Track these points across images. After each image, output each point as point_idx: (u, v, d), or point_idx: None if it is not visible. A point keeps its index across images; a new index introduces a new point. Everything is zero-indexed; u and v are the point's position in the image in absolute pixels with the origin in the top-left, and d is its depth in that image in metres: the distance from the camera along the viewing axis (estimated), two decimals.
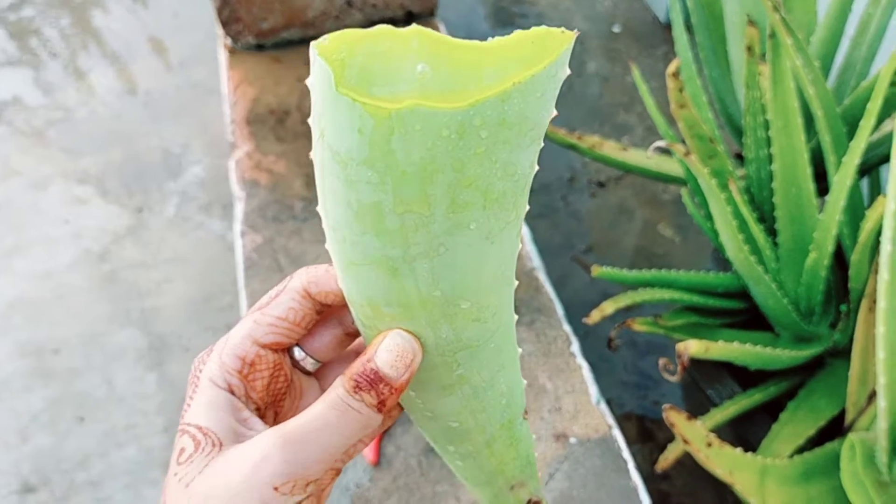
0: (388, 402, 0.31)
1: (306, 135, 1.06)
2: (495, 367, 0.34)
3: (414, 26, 0.25)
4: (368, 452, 0.74)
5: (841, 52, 1.01)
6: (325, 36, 0.24)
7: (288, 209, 0.96)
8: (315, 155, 0.27)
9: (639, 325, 0.92)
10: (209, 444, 0.31)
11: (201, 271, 1.51)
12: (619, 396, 1.35)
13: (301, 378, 0.36)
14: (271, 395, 0.34)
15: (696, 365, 1.04)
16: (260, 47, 1.19)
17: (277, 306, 0.34)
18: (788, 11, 1.01)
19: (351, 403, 0.30)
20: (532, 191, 1.60)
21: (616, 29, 2.03)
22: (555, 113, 0.27)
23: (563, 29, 0.25)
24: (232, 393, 0.32)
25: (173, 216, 1.64)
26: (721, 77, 1.04)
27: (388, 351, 0.30)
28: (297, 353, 0.36)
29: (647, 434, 1.29)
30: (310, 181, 1.00)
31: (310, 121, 0.27)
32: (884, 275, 0.69)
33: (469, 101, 0.23)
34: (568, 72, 0.26)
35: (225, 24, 1.14)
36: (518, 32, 0.25)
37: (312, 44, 0.24)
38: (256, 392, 0.33)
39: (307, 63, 1.16)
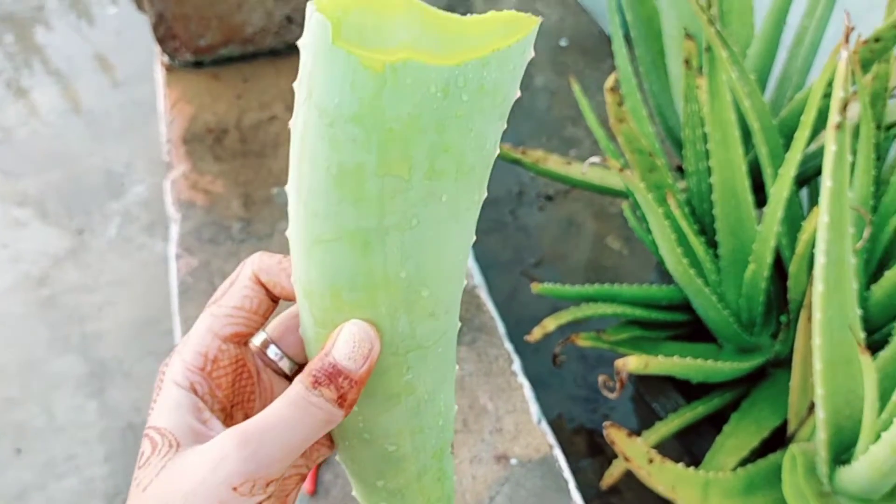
0: (348, 396, 0.30)
1: (244, 153, 1.04)
2: (439, 377, 0.34)
3: None
4: (305, 482, 0.72)
5: (778, 63, 1.02)
6: None
7: (225, 230, 0.93)
8: (296, 121, 0.27)
9: (582, 341, 0.92)
10: (166, 444, 0.30)
11: (143, 294, 1.47)
12: (569, 411, 1.35)
13: (274, 381, 0.35)
14: (237, 393, 0.33)
15: (641, 379, 1.04)
16: (198, 64, 1.16)
17: (232, 296, 0.33)
18: (726, 25, 1.02)
19: (311, 399, 0.29)
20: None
21: (563, 43, 2.05)
22: (503, 126, 0.28)
23: (529, 14, 0.27)
24: (195, 392, 0.31)
25: (115, 237, 1.60)
26: (661, 90, 1.05)
27: (345, 342, 0.30)
28: (273, 352, 0.35)
29: (597, 448, 1.28)
30: (248, 201, 0.98)
31: (294, 85, 0.27)
32: (818, 287, 0.69)
33: (456, 60, 0.25)
34: (532, 54, 0.27)
35: (161, 41, 1.11)
36: (492, 13, 0.27)
37: (311, 1, 0.25)
38: (222, 390, 0.32)
39: (246, 80, 1.14)
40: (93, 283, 1.52)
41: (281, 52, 1.20)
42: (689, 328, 1.03)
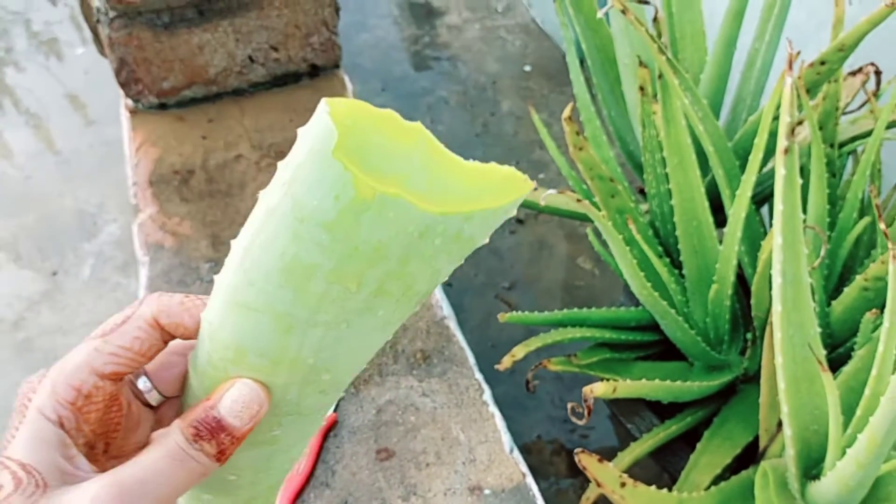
0: (227, 451, 0.30)
1: (211, 194, 1.05)
2: (306, 434, 0.34)
3: (418, 124, 0.28)
4: None
5: (733, 87, 1.05)
6: (341, 99, 0.25)
7: (194, 271, 0.94)
8: (269, 194, 0.27)
9: (554, 366, 0.93)
10: (32, 484, 0.28)
11: None
12: (548, 432, 1.36)
13: (141, 410, 0.34)
14: (104, 426, 0.32)
15: (615, 401, 1.05)
16: (162, 106, 1.17)
17: (122, 335, 0.31)
18: (679, 51, 1.05)
19: (190, 452, 0.29)
20: None
21: (527, 68, 2.07)
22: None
23: (526, 177, 0.28)
24: (62, 426, 0.30)
25: (89, 278, 1.59)
26: (619, 116, 1.07)
27: (234, 400, 0.29)
28: (143, 384, 0.34)
29: (577, 468, 1.29)
30: (216, 241, 0.99)
31: (281, 164, 0.27)
32: (777, 307, 0.71)
33: (442, 210, 0.26)
34: (514, 213, 0.29)
35: (124, 85, 1.12)
36: (492, 165, 0.28)
37: (325, 100, 0.25)
38: (89, 424, 0.31)
39: (211, 120, 1.15)
40: (68, 324, 1.51)
41: (245, 91, 1.21)
42: (659, 348, 1.05)
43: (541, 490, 1.27)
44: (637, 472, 1.27)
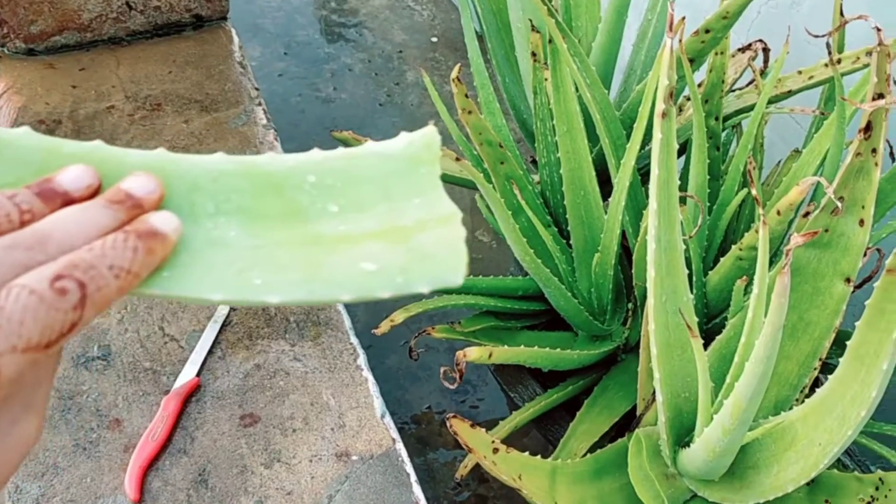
0: None
1: None
2: None
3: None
4: (129, 490, 0.68)
5: (625, 58, 1.04)
6: None
7: None
8: None
9: (437, 333, 0.91)
10: None
11: None
12: (438, 403, 1.34)
13: None
14: None
15: (499, 369, 1.04)
16: (31, 52, 1.09)
17: None
18: (574, 18, 1.03)
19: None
20: None
21: (434, 39, 2.04)
22: None
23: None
24: None
25: None
26: (513, 83, 1.05)
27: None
28: None
29: None
30: None
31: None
32: (651, 272, 0.70)
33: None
34: None
35: None
36: None
37: None
38: None
39: (83, 69, 1.07)
40: None
41: (122, 40, 1.13)
42: (546, 317, 1.04)
43: (428, 461, 1.26)
44: (526, 442, 1.28)
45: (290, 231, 0.33)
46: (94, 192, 0.30)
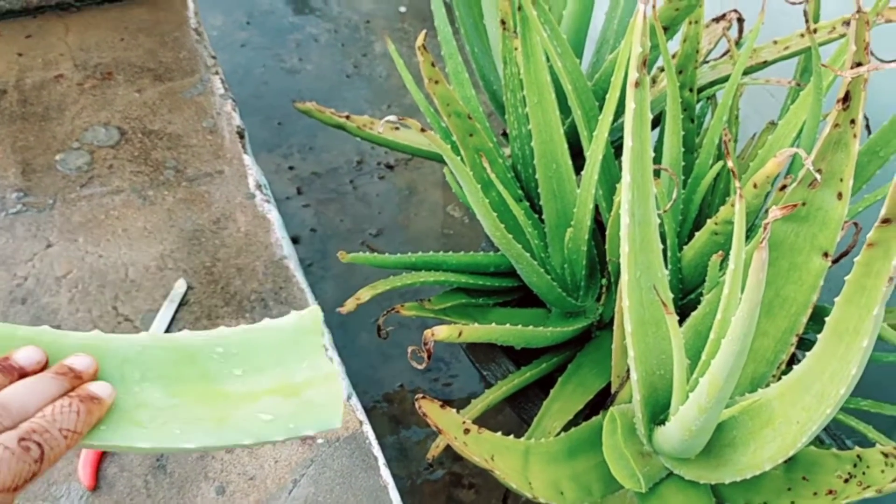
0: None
1: (24, 116, 0.93)
2: None
3: None
4: (84, 477, 0.65)
5: (598, 28, 1.01)
6: None
7: None
8: None
9: (406, 311, 0.88)
10: None
11: None
12: (411, 381, 1.32)
13: None
14: None
15: (471, 347, 1.02)
16: None
17: None
18: None
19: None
20: (318, 175, 1.52)
21: (402, 9, 2.00)
22: None
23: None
24: None
25: None
26: (482, 53, 1.02)
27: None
28: None
29: None
30: (26, 169, 0.88)
31: None
32: (624, 247, 0.68)
33: None
34: None
35: None
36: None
37: None
38: None
39: (29, 36, 1.02)
40: None
41: (70, 6, 1.08)
42: (518, 294, 1.02)
43: (400, 440, 1.24)
44: (501, 420, 1.26)
45: (203, 391, 0.40)
46: (44, 367, 0.38)
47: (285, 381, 0.42)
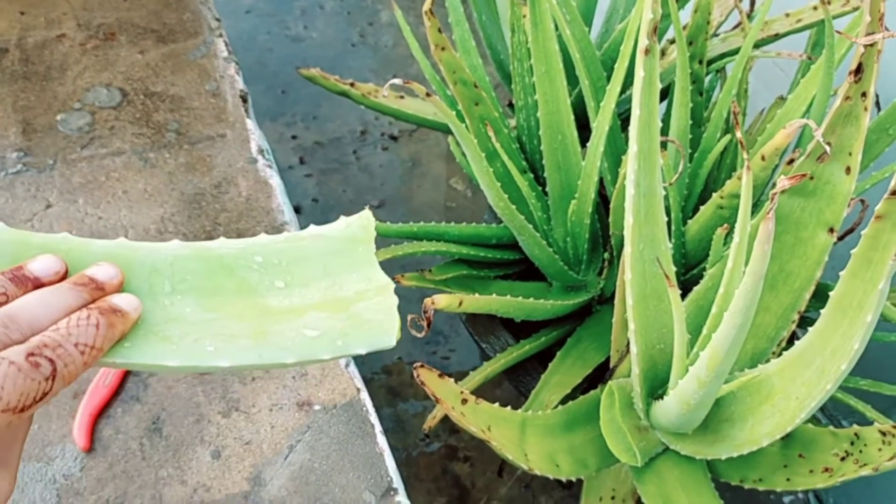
0: None
1: (26, 76, 0.92)
2: None
3: None
4: (79, 438, 0.65)
5: None
6: None
7: None
8: None
9: (407, 281, 0.88)
10: None
11: None
12: (409, 354, 1.32)
13: None
14: None
15: (471, 319, 1.02)
16: None
17: None
18: None
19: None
20: (321, 145, 1.51)
21: None
22: None
23: None
24: None
25: None
26: (490, 21, 1.01)
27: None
28: None
29: None
30: (27, 129, 0.87)
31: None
32: (629, 219, 0.67)
33: None
34: None
35: None
36: None
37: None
38: None
39: None
40: None
41: None
42: (520, 266, 1.01)
43: (397, 412, 1.24)
44: (498, 393, 1.26)
45: (240, 305, 0.37)
46: (62, 278, 0.34)
47: (333, 294, 0.38)
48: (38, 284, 0.33)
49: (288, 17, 1.81)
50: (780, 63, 1.14)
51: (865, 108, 0.62)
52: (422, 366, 0.69)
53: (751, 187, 0.58)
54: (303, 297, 0.38)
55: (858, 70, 0.60)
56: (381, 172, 1.55)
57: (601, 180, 0.92)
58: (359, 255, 0.39)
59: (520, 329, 0.98)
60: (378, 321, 0.37)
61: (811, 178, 0.66)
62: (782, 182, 0.51)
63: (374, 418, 0.67)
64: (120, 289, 0.35)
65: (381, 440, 0.66)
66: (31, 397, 0.29)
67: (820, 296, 0.66)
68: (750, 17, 0.98)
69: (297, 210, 1.45)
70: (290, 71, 1.64)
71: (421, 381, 0.69)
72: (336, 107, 1.58)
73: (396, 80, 0.62)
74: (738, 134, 0.61)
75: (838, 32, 0.57)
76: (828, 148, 0.61)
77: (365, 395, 0.69)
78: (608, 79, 0.88)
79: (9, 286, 0.32)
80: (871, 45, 0.57)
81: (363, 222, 0.40)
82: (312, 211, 1.47)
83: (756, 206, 0.84)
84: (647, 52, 0.62)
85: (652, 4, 0.61)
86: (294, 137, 1.56)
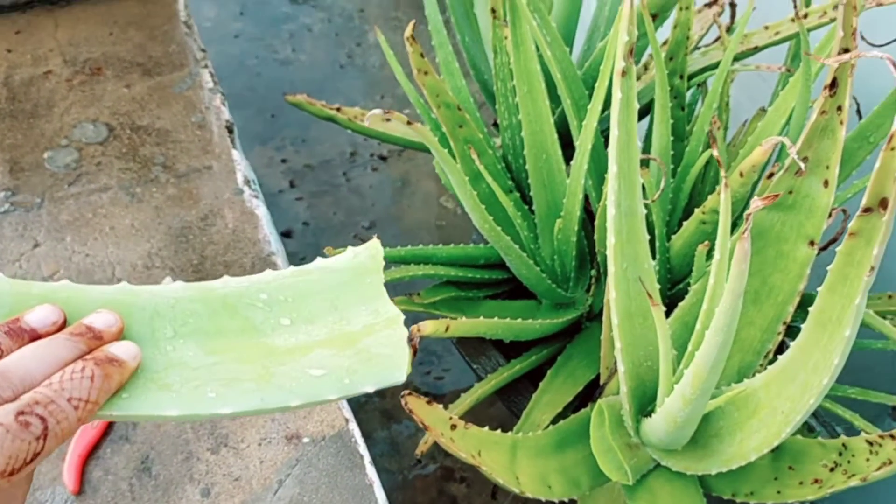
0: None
1: (13, 114, 0.93)
2: None
3: None
4: (68, 481, 0.65)
5: (589, 13, 1.01)
6: None
7: None
8: None
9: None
10: None
11: None
12: None
13: None
14: None
15: (461, 341, 1.02)
16: None
17: None
18: None
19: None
20: (311, 167, 1.51)
21: None
22: None
23: None
24: None
25: None
26: (473, 42, 1.02)
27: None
28: None
29: None
30: (14, 168, 0.87)
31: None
32: (611, 239, 0.68)
33: None
34: None
35: None
36: None
37: None
38: None
39: (19, 31, 1.01)
40: None
41: (59, 1, 1.07)
42: (509, 286, 1.02)
43: (392, 434, 1.24)
44: (492, 413, 1.26)
45: (244, 346, 0.35)
46: (61, 327, 0.33)
47: (341, 329, 0.36)
48: (34, 336, 0.32)
49: (276, 40, 1.82)
50: (763, 74, 1.15)
51: (841, 122, 0.63)
52: (409, 393, 0.69)
53: (729, 204, 0.59)
54: (309, 335, 0.36)
55: (833, 84, 0.61)
56: (371, 193, 1.56)
57: (586, 198, 0.92)
58: (367, 287, 0.38)
59: (510, 348, 0.98)
60: (387, 355, 0.35)
61: (790, 192, 0.66)
62: (755, 202, 0.51)
63: (363, 449, 0.67)
64: (119, 336, 0.34)
65: (371, 470, 0.67)
66: (20, 459, 0.27)
67: (805, 306, 0.66)
68: (729, 30, 0.98)
69: (288, 234, 1.45)
70: (279, 94, 1.65)
71: (409, 409, 0.69)
72: (325, 129, 1.59)
73: (377, 111, 0.62)
74: (715, 152, 0.61)
75: (807, 54, 0.58)
76: (802, 165, 0.62)
77: (353, 426, 0.69)
78: (590, 97, 0.89)
79: (3, 340, 0.31)
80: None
81: (371, 252, 0.39)
82: (304, 234, 1.48)
83: (738, 221, 0.85)
84: (624, 73, 0.63)
85: (627, 27, 0.62)
86: (284, 161, 1.57)
